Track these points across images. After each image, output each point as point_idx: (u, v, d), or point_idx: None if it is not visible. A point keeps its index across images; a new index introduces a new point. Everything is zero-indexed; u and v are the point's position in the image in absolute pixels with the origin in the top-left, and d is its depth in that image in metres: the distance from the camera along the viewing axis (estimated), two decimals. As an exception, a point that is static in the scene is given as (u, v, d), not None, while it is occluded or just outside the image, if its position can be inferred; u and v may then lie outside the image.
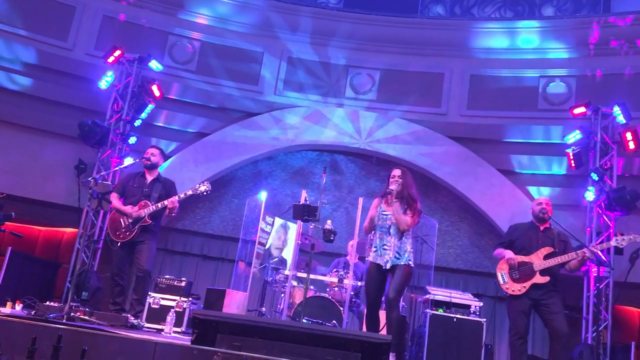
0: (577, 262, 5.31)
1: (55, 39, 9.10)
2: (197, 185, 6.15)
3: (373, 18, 9.67)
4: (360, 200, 7.02)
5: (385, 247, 5.05)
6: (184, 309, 6.74)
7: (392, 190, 5.05)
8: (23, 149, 8.98)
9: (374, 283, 5.07)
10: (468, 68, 9.57)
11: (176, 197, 6.05)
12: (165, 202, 6.01)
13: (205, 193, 6.18)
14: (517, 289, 5.32)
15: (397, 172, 5.19)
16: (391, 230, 5.06)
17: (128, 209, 6.06)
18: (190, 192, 6.12)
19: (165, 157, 7.13)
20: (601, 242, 7.60)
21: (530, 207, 5.74)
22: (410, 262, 5.03)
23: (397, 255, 5.00)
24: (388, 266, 4.99)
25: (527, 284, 5.29)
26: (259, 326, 3.71)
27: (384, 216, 5.11)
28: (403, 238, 5.05)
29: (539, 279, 5.27)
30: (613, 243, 5.43)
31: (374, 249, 5.15)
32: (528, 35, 9.25)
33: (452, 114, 9.49)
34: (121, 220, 6.07)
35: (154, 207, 6.03)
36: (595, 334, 7.61)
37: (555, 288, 5.34)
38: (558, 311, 5.26)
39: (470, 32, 9.52)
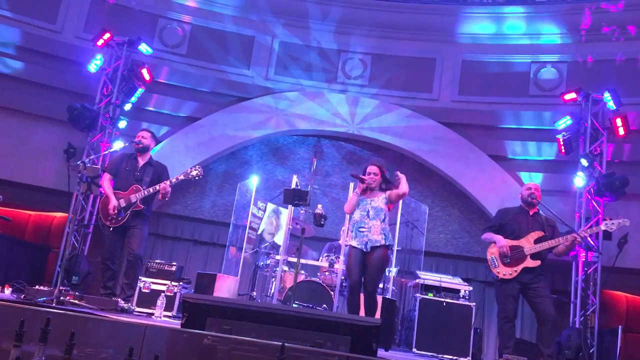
0: (565, 247, 5.35)
1: (44, 22, 9.01)
2: (189, 169, 6.10)
3: (365, 2, 9.61)
4: (352, 185, 7.02)
5: (362, 229, 5.24)
6: (175, 293, 6.74)
7: (365, 180, 5.30)
8: (12, 132, 8.90)
9: (355, 265, 5.21)
10: (460, 53, 9.57)
11: (168, 182, 6.01)
12: (157, 186, 5.97)
13: (197, 177, 6.12)
14: (508, 272, 5.36)
15: (374, 169, 5.41)
16: (370, 214, 5.26)
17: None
18: (182, 177, 6.07)
19: (157, 141, 7.08)
20: (590, 227, 7.67)
21: (520, 192, 5.77)
22: (390, 242, 5.27)
23: (379, 237, 5.18)
24: (368, 248, 5.18)
25: (519, 268, 5.32)
26: (249, 310, 3.72)
27: (364, 202, 5.34)
28: (385, 220, 5.27)
29: (530, 262, 5.31)
30: (603, 227, 5.47)
31: (351, 233, 5.35)
32: (520, 21, 9.24)
33: (443, 99, 9.49)
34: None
35: (145, 192, 5.98)
36: (583, 318, 7.68)
37: (544, 272, 5.38)
38: (545, 295, 5.30)
39: (462, 17, 9.50)
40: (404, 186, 5.32)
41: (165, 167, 6.38)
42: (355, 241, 5.24)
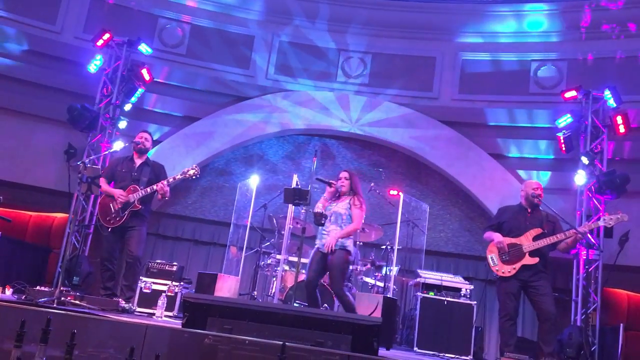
0: (566, 244, 5.35)
1: (44, 22, 9.02)
2: (186, 169, 6.11)
3: (365, 1, 9.61)
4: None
5: (324, 232, 5.48)
6: (176, 293, 6.74)
7: (333, 184, 5.56)
8: (12, 133, 8.90)
9: (314, 264, 5.46)
10: (459, 52, 9.56)
11: (165, 182, 6.01)
12: (154, 186, 5.97)
13: (194, 177, 6.14)
14: (507, 270, 5.36)
15: (344, 174, 5.65)
16: (331, 219, 5.48)
17: (116, 192, 6.02)
18: (179, 176, 6.08)
19: (153, 143, 7.10)
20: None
21: (522, 189, 5.75)
22: (347, 246, 5.41)
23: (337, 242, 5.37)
24: (327, 250, 5.40)
25: (517, 266, 5.33)
26: (250, 309, 3.72)
27: (328, 207, 5.58)
28: (342, 226, 5.43)
29: (528, 260, 5.31)
30: (601, 223, 5.47)
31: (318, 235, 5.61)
32: (519, 19, 9.23)
33: (443, 97, 9.49)
34: (111, 205, 6.03)
35: (142, 192, 5.98)
36: (584, 316, 7.68)
37: (545, 269, 5.38)
38: (546, 293, 5.30)
39: (462, 16, 9.49)
40: (356, 221, 5.46)
41: (162, 166, 6.39)
42: (318, 243, 5.51)
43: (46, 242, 9.00)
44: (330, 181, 5.57)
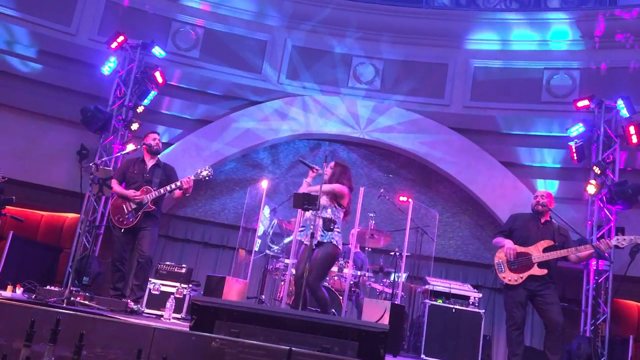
0: (578, 257, 5.31)
1: (59, 24, 9.10)
2: (199, 170, 6.12)
3: (378, 7, 9.63)
4: (362, 189, 7.02)
5: (311, 225, 5.30)
6: (184, 295, 6.75)
7: (315, 168, 5.53)
8: (25, 133, 8.99)
9: (302, 261, 5.20)
10: (472, 59, 9.55)
11: (192, 177, 6.03)
12: (168, 187, 6.00)
13: (207, 178, 6.16)
14: (513, 278, 5.33)
15: (332, 164, 5.69)
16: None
17: (130, 192, 6.05)
18: (192, 177, 6.10)
19: (165, 146, 7.14)
20: (602, 236, 7.63)
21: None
22: (334, 241, 5.32)
23: (322, 233, 5.27)
24: (315, 243, 5.24)
25: (524, 275, 5.29)
26: (258, 313, 3.72)
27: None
28: (327, 216, 5.32)
29: (536, 270, 5.28)
30: (614, 242, 5.41)
31: (302, 228, 5.48)
32: (533, 27, 9.20)
33: (455, 105, 9.48)
34: (124, 206, 6.05)
35: (156, 193, 6.01)
36: (593, 327, 7.63)
37: (552, 280, 5.34)
38: (553, 302, 5.27)
39: (475, 24, 9.48)
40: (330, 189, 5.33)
41: (173, 168, 6.42)
42: (304, 237, 5.34)
43: (57, 242, 9.08)
44: (313, 165, 5.54)
